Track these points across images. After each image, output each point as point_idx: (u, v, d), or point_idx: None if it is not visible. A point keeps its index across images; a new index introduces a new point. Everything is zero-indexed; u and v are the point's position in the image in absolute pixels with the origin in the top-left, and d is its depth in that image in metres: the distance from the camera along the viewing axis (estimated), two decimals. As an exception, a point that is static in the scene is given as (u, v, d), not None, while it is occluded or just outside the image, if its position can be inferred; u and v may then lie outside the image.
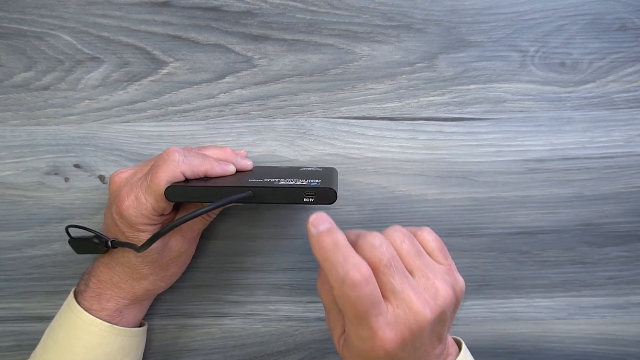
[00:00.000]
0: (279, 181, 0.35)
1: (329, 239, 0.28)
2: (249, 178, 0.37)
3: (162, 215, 0.36)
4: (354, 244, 0.30)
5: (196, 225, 0.39)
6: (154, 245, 0.35)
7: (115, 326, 0.38)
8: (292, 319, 0.45)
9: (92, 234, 0.38)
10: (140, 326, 0.41)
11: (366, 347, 0.29)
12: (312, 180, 0.35)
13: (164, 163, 0.35)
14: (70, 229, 0.39)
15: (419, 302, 0.29)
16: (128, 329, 0.39)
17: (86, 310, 0.37)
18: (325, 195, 0.34)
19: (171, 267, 0.39)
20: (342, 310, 0.30)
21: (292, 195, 0.34)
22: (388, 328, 0.29)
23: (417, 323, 0.29)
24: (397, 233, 0.32)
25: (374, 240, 0.30)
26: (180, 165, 0.35)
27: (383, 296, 0.29)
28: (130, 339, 0.39)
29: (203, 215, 0.39)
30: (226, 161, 0.38)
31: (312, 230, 0.29)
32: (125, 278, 0.38)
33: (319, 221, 0.29)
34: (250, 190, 0.34)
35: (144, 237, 0.36)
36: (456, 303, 0.32)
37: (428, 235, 0.33)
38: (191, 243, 0.40)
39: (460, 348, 0.35)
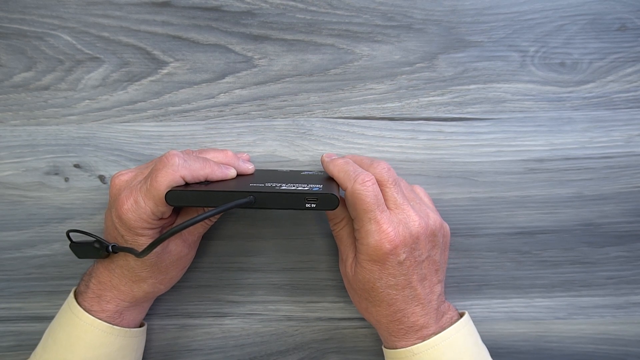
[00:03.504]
0: (281, 186, 0.35)
1: (341, 160, 0.38)
2: (250, 182, 0.37)
3: (161, 219, 0.36)
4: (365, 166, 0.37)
5: (196, 230, 0.39)
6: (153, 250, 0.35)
7: (114, 327, 0.38)
8: (292, 319, 0.45)
9: (93, 239, 0.38)
10: (140, 326, 0.41)
11: (374, 242, 0.35)
12: (313, 185, 0.35)
13: (164, 167, 0.34)
14: (71, 233, 0.39)
15: (414, 214, 0.36)
16: (127, 329, 0.39)
17: (86, 311, 0.37)
18: (327, 201, 0.34)
19: (171, 270, 0.39)
20: (353, 210, 0.36)
21: (293, 201, 0.34)
22: (391, 224, 0.35)
23: (414, 229, 0.36)
24: (392, 171, 0.38)
25: (384, 164, 0.37)
26: (180, 169, 0.34)
27: (388, 206, 0.36)
28: (130, 340, 0.39)
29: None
30: (227, 165, 0.38)
31: (327, 159, 0.39)
32: (124, 281, 0.38)
33: (328, 154, 0.41)
34: (251, 195, 0.34)
35: (144, 241, 0.35)
36: (444, 239, 0.39)
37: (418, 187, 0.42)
38: (191, 247, 0.40)
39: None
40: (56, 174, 0.43)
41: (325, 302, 0.44)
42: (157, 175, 0.34)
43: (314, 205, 0.34)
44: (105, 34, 0.43)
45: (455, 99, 0.43)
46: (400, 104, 0.43)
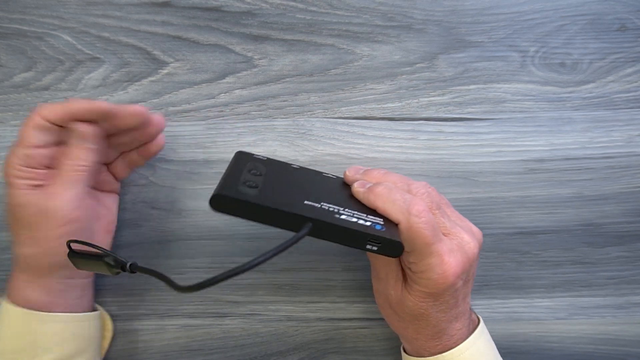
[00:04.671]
0: (341, 214, 0.31)
1: (380, 187, 0.34)
2: (304, 198, 0.32)
3: (32, 167, 0.35)
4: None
5: (68, 181, 0.35)
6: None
7: (31, 311, 0.36)
8: (292, 319, 0.45)
9: (103, 253, 0.34)
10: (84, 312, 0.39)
11: (437, 276, 0.32)
12: (375, 221, 0.32)
13: (29, 116, 0.35)
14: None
15: (467, 236, 0.34)
16: (47, 313, 0.36)
17: (7, 297, 0.37)
18: (391, 247, 0.31)
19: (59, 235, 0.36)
20: (410, 244, 0.32)
21: (354, 240, 0.31)
22: (451, 254, 0.32)
23: (469, 253, 0.33)
24: (430, 189, 0.35)
25: (423, 187, 0.34)
26: (40, 111, 0.35)
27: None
28: (57, 325, 0.37)
29: (70, 164, 0.36)
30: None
31: (361, 189, 0.35)
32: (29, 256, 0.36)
33: (364, 182, 0.35)
34: (310, 223, 0.30)
35: (18, 187, 0.35)
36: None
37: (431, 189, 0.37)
38: (71, 201, 0.35)
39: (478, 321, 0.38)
40: (56, 174, 0.43)
41: (325, 302, 0.44)
42: (23, 125, 0.35)
43: (375, 249, 0.31)
44: (105, 34, 0.43)
45: (455, 99, 0.43)
46: (400, 104, 0.43)
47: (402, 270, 0.35)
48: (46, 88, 0.43)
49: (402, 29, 0.43)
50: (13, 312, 0.36)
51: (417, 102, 0.43)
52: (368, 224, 0.31)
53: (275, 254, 0.29)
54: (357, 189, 0.35)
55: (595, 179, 0.43)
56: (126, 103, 0.43)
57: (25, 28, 0.43)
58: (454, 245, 0.33)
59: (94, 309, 0.41)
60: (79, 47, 0.43)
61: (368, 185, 0.35)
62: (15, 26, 0.43)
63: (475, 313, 0.39)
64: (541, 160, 0.43)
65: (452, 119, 0.43)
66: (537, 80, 0.43)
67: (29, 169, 0.35)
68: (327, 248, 0.44)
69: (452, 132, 0.43)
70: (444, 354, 0.35)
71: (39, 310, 0.36)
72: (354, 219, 0.31)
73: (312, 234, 0.30)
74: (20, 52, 0.43)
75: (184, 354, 0.45)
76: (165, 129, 0.43)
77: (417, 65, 0.43)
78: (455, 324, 0.35)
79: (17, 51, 0.43)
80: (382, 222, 0.32)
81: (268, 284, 0.44)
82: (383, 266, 0.35)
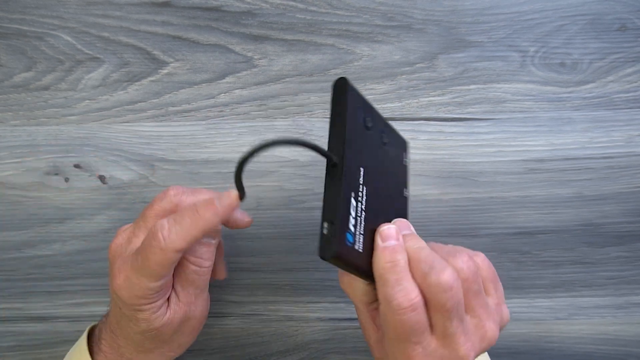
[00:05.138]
0: (353, 196, 0.29)
1: (388, 257, 0.29)
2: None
3: (160, 291, 0.31)
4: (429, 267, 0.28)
5: (190, 283, 0.32)
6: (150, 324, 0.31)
7: None
8: (292, 319, 0.45)
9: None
10: None
11: None
12: (354, 232, 0.29)
13: (150, 243, 0.29)
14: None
15: (465, 347, 0.29)
16: None
17: None
18: (324, 250, 0.27)
19: (176, 338, 0.34)
20: (383, 325, 0.29)
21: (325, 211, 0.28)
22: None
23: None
24: (466, 265, 0.29)
25: (448, 280, 0.28)
26: (169, 245, 0.29)
27: (432, 331, 0.29)
28: None
29: (195, 268, 0.32)
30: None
31: (379, 242, 0.29)
32: (130, 350, 0.34)
33: (387, 234, 0.29)
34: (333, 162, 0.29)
35: (145, 315, 0.31)
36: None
37: (482, 264, 0.32)
38: (190, 304, 0.33)
39: None
40: (56, 174, 0.43)
41: (325, 302, 0.44)
42: (147, 254, 0.29)
43: (322, 233, 0.28)
44: (105, 34, 0.43)
45: (455, 99, 0.43)
46: (400, 104, 0.43)
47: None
48: (46, 88, 0.43)
49: (402, 29, 0.43)
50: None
51: (417, 102, 0.43)
52: (348, 225, 0.28)
53: (300, 144, 0.27)
54: (377, 238, 0.30)
55: (595, 179, 0.43)
56: (126, 103, 0.43)
57: (25, 28, 0.43)
58: (437, 353, 0.29)
59: None
60: (79, 47, 0.43)
61: (387, 243, 0.29)
62: (15, 26, 0.43)
63: None
64: (541, 160, 0.43)
65: (452, 119, 0.43)
66: (537, 80, 0.43)
67: (155, 296, 0.31)
68: (327, 248, 0.44)
69: (452, 132, 0.43)
70: None
71: None
72: (349, 209, 0.28)
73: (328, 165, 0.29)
74: (20, 52, 0.43)
75: (184, 354, 0.45)
76: (166, 129, 0.43)
77: (417, 65, 0.43)
78: None
79: (17, 51, 0.43)
80: (361, 241, 0.29)
81: (268, 284, 0.44)
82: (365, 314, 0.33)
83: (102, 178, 0.43)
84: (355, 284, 0.31)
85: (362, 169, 0.30)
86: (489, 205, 0.44)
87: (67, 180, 0.43)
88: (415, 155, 0.43)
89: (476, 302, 0.30)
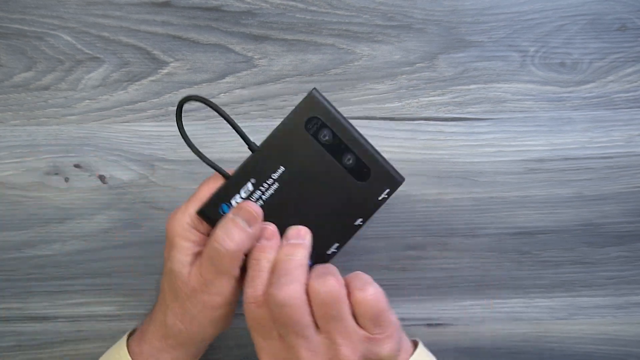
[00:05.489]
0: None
1: (255, 253, 0.33)
2: None
3: (197, 230, 0.33)
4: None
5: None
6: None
7: None
8: (292, 319, 0.45)
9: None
10: None
11: None
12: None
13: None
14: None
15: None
16: None
17: None
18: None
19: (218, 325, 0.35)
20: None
21: None
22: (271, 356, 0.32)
23: None
24: (326, 289, 0.31)
25: (283, 298, 0.30)
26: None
27: (278, 335, 0.31)
28: None
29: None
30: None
31: (262, 238, 0.33)
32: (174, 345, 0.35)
33: (271, 232, 0.33)
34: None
35: (179, 257, 0.33)
36: None
37: (367, 299, 0.31)
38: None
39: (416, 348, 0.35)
40: (56, 174, 0.43)
41: (325, 302, 0.44)
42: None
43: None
44: (105, 34, 0.43)
45: (455, 99, 0.43)
46: (400, 104, 0.43)
47: None
48: (46, 88, 0.43)
49: (402, 29, 0.43)
50: None
51: (417, 102, 0.43)
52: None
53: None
54: (268, 233, 0.33)
55: (595, 179, 0.43)
56: (126, 103, 0.43)
57: (25, 28, 0.43)
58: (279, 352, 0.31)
59: None
60: (79, 47, 0.43)
61: (265, 243, 0.33)
62: (15, 26, 0.43)
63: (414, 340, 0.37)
64: (541, 160, 0.43)
65: (452, 118, 0.43)
66: (537, 80, 0.43)
67: (196, 232, 0.33)
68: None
69: (452, 132, 0.43)
70: None
71: None
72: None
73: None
74: (20, 52, 0.43)
75: (184, 354, 0.45)
76: (165, 129, 0.43)
77: (417, 65, 0.43)
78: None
79: (17, 51, 0.43)
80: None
81: (268, 283, 0.44)
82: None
83: (102, 178, 0.43)
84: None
85: (282, 168, 0.33)
86: (489, 205, 0.44)
87: (67, 180, 0.43)
88: (415, 155, 0.43)
89: (332, 327, 0.31)
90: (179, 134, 0.42)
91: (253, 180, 0.33)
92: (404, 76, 0.43)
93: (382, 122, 0.43)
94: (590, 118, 0.43)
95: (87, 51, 0.43)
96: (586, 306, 0.44)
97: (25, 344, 0.45)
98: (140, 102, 0.43)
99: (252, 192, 0.33)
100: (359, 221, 0.35)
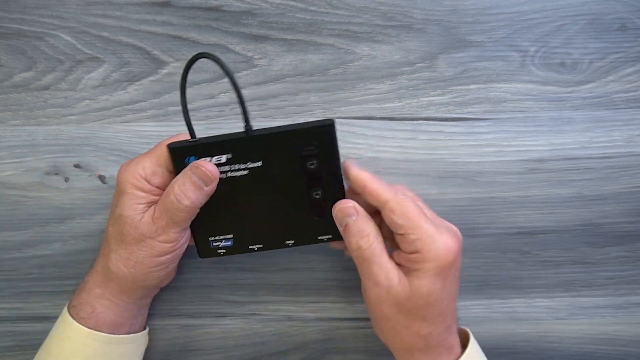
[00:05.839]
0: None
1: (369, 173, 0.36)
2: None
3: (149, 184, 0.35)
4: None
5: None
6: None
7: (110, 335, 0.36)
8: (292, 319, 0.45)
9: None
10: (140, 331, 0.41)
11: (441, 247, 0.33)
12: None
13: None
14: None
15: (450, 226, 0.36)
16: (125, 336, 0.38)
17: (78, 321, 0.36)
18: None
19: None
20: (403, 218, 0.34)
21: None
22: (443, 231, 0.34)
23: (458, 235, 0.36)
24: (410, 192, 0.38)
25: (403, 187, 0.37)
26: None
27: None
28: (128, 347, 0.38)
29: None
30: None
31: (355, 166, 0.36)
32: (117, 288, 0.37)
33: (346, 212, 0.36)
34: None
35: (130, 203, 0.35)
36: None
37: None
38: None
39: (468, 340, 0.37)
40: (56, 174, 0.43)
41: (325, 302, 0.44)
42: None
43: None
44: (105, 34, 0.43)
45: (455, 99, 0.43)
46: (400, 104, 0.43)
47: (399, 269, 0.35)
48: (46, 88, 0.43)
49: (402, 29, 0.43)
50: (79, 332, 0.36)
51: (417, 102, 0.43)
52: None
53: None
54: (352, 164, 0.36)
55: (595, 179, 0.43)
56: (126, 103, 0.43)
57: (25, 28, 0.43)
58: (442, 227, 0.34)
59: (145, 327, 0.42)
60: (79, 47, 0.43)
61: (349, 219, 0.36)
62: (15, 26, 0.43)
63: (463, 328, 0.39)
64: (541, 160, 0.43)
65: (452, 118, 0.43)
66: (537, 80, 0.43)
67: (146, 183, 0.35)
68: (327, 248, 0.44)
69: (452, 132, 0.43)
70: None
71: (107, 333, 0.36)
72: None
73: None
74: (20, 52, 0.43)
75: (184, 354, 0.45)
76: (165, 129, 0.43)
77: (417, 65, 0.43)
78: (453, 324, 0.36)
79: (17, 51, 0.43)
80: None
81: (268, 284, 0.44)
82: (378, 269, 0.34)
83: (102, 178, 0.43)
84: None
85: (260, 163, 0.35)
86: (489, 205, 0.44)
87: (67, 180, 0.43)
88: (415, 155, 0.43)
89: (428, 212, 0.37)
90: (178, 134, 0.42)
91: (230, 156, 0.35)
92: (404, 76, 0.43)
93: (382, 122, 0.43)
94: (590, 118, 0.43)
95: (87, 51, 0.43)
96: (586, 306, 0.44)
97: (25, 344, 0.45)
98: (140, 102, 0.43)
99: (222, 164, 0.35)
100: (290, 242, 0.38)
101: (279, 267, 0.44)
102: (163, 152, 0.35)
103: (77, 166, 0.43)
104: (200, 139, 0.35)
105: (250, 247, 0.38)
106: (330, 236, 0.38)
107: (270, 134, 0.34)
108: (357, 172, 0.35)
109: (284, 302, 0.45)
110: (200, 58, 0.32)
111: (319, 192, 0.36)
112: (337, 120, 0.43)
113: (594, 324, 0.45)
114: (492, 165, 0.43)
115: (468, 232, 0.44)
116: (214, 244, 0.38)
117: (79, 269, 0.43)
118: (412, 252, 0.34)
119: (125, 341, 0.38)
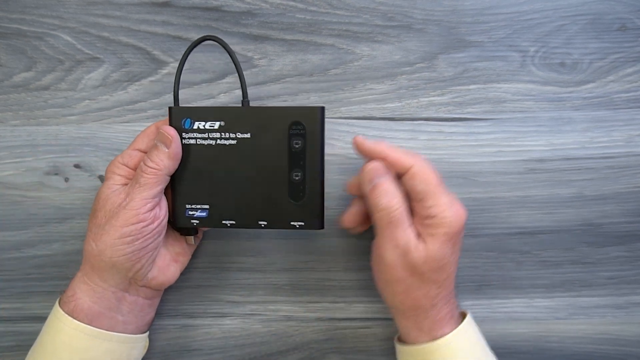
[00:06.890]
0: None
1: (385, 143, 0.37)
2: None
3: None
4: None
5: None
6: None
7: (99, 330, 0.36)
8: (292, 319, 0.45)
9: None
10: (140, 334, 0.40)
11: (453, 213, 0.35)
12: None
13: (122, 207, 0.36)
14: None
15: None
16: (115, 334, 0.37)
17: (68, 314, 0.36)
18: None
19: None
20: (424, 185, 0.35)
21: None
22: (454, 199, 0.36)
23: (464, 207, 0.36)
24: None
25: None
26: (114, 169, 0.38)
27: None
28: (119, 345, 0.37)
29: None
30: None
31: (367, 140, 0.37)
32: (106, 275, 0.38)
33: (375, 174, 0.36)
34: None
35: (108, 183, 0.37)
36: None
37: None
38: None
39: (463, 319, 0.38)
40: (56, 174, 0.43)
41: (325, 302, 0.44)
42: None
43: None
44: (105, 34, 0.43)
45: (455, 99, 0.43)
46: (400, 104, 0.43)
47: (413, 231, 0.36)
48: (46, 88, 0.43)
49: (402, 29, 0.43)
50: (60, 317, 0.37)
51: (417, 102, 0.43)
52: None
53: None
54: (365, 138, 0.37)
55: (595, 179, 0.43)
56: (126, 103, 0.43)
57: (25, 28, 0.43)
58: (452, 196, 0.36)
59: (143, 331, 0.41)
60: (79, 47, 0.43)
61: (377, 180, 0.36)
62: (15, 26, 0.43)
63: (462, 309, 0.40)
64: (541, 160, 0.43)
65: (452, 119, 0.43)
66: (537, 80, 0.43)
67: (125, 167, 0.38)
68: (327, 248, 0.44)
69: (452, 132, 0.43)
70: (436, 341, 0.36)
71: (87, 323, 0.36)
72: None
73: None
74: (20, 52, 0.43)
75: (184, 354, 0.45)
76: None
77: (417, 65, 0.43)
78: (446, 307, 0.37)
79: (17, 51, 0.43)
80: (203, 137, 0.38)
81: (268, 284, 0.44)
82: (402, 232, 0.35)
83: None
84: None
85: (248, 135, 0.37)
86: (489, 205, 0.44)
87: (67, 180, 0.43)
88: (415, 155, 0.43)
89: None
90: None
91: (222, 123, 0.37)
92: (404, 76, 0.43)
93: (382, 122, 0.43)
94: (590, 118, 0.43)
95: (87, 51, 0.43)
96: (586, 306, 0.44)
97: (25, 344, 0.44)
98: (140, 102, 0.43)
99: (213, 130, 0.38)
100: (263, 223, 0.38)
101: (279, 267, 0.44)
102: (138, 138, 0.38)
103: (77, 166, 0.43)
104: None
105: (223, 221, 0.39)
106: (302, 223, 0.38)
107: (264, 108, 0.38)
108: (374, 143, 0.37)
109: (284, 302, 0.45)
110: (206, 40, 0.38)
111: (299, 173, 0.37)
112: (337, 121, 0.43)
113: (594, 324, 0.45)
114: (492, 165, 0.43)
115: (468, 232, 0.44)
116: (190, 212, 0.39)
117: (78, 269, 0.43)
118: (427, 217, 0.35)
119: (103, 337, 0.36)
